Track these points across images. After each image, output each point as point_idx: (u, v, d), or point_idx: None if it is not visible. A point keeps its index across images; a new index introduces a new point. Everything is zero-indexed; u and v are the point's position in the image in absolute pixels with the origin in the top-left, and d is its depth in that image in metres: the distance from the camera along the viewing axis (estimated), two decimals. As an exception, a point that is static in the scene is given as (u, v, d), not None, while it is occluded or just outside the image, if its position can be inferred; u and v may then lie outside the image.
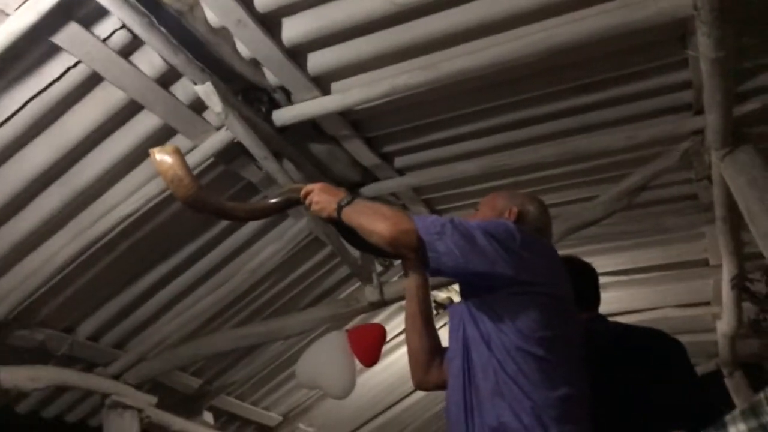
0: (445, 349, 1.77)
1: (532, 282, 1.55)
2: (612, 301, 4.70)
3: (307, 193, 1.72)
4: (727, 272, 4.12)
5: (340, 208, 1.63)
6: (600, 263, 4.44)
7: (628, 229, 4.01)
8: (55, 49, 2.31)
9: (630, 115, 3.15)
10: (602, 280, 2.31)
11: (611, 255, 4.40)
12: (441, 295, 4.63)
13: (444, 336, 1.81)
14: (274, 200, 1.87)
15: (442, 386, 1.74)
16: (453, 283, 3.91)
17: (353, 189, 3.37)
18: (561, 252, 1.83)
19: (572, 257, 2.18)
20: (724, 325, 4.75)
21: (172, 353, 3.83)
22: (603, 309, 2.20)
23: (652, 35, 2.64)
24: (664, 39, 2.70)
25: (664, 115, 3.14)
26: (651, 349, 1.94)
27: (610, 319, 2.19)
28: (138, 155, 2.80)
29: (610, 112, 3.11)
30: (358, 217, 1.59)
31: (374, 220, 1.55)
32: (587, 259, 2.29)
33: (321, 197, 1.68)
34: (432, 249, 1.49)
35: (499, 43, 2.58)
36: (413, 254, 1.53)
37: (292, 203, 1.81)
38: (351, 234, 1.70)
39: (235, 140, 2.80)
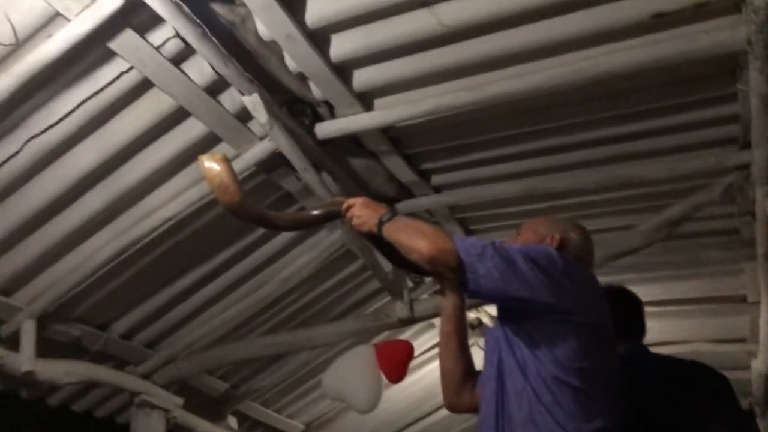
0: (479, 371, 1.76)
1: (572, 310, 1.54)
2: (644, 331, 4.64)
3: (349, 207, 1.73)
4: (765, 310, 4.03)
5: (380, 223, 1.64)
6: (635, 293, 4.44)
7: (665, 260, 3.95)
8: (110, 54, 2.37)
9: (673, 146, 3.11)
10: None
11: (647, 285, 4.32)
12: (470, 315, 4.61)
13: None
14: (315, 212, 1.89)
15: (473, 409, 1.73)
16: (484, 303, 3.89)
17: (389, 204, 3.39)
18: (601, 280, 1.81)
19: (621, 287, 2.16)
20: (760, 363, 4.64)
21: (201, 356, 3.88)
22: None
23: (701, 68, 2.61)
24: (713, 72, 2.67)
25: (708, 148, 3.10)
26: (700, 382, 1.91)
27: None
28: (182, 161, 2.85)
29: (653, 141, 3.08)
30: (398, 234, 1.59)
31: (414, 238, 1.55)
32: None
33: (362, 212, 1.69)
34: (471, 270, 1.49)
35: (545, 69, 2.57)
36: (452, 274, 1.52)
37: (333, 216, 1.83)
38: (390, 250, 1.71)
39: (277, 151, 2.83)
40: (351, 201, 1.74)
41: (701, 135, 3.02)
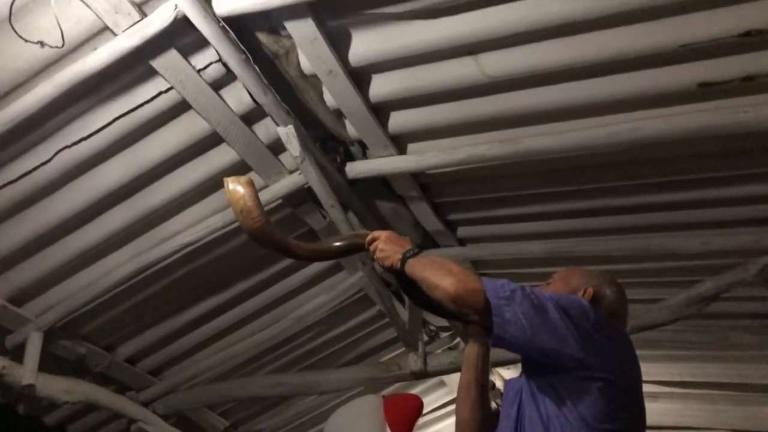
0: (496, 422, 1.66)
1: (602, 367, 1.45)
2: (663, 413, 4.47)
3: (373, 240, 1.68)
4: (793, 403, 3.86)
5: (404, 258, 1.58)
6: (656, 371, 4.29)
7: (691, 339, 3.81)
8: (152, 73, 2.38)
9: (709, 220, 3.03)
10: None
11: (668, 363, 4.20)
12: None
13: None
14: (338, 243, 1.83)
15: (486, 463, 1.63)
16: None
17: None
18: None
19: None
20: (783, 459, 4.42)
21: (204, 389, 3.79)
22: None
23: (744, 142, 2.55)
24: (756, 147, 2.60)
25: (745, 226, 3.01)
26: None
27: None
28: (209, 187, 2.84)
29: (689, 214, 3.01)
30: (423, 270, 1.52)
31: (440, 275, 1.47)
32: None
33: (387, 246, 1.63)
34: (498, 314, 1.40)
35: (584, 128, 2.54)
36: (477, 317, 1.43)
37: (357, 249, 1.77)
38: (412, 288, 1.64)
39: (306, 185, 2.81)
40: (376, 234, 1.68)
41: (739, 211, 2.94)
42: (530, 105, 2.50)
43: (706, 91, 2.34)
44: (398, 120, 2.67)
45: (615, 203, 3.01)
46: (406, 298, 3.71)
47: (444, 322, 4.08)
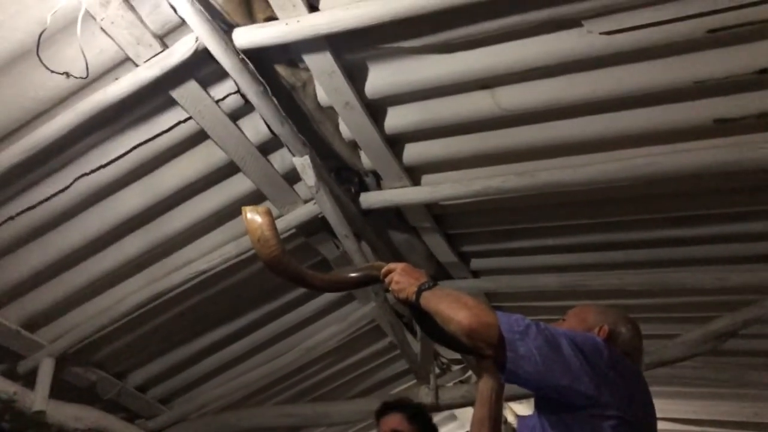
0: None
1: (615, 405, 1.43)
2: (678, 451, 4.38)
3: (388, 272, 1.67)
4: (811, 444, 3.78)
5: (420, 291, 1.57)
6: (670, 407, 4.22)
7: (706, 376, 3.76)
8: (171, 103, 2.41)
9: (726, 256, 3.01)
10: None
11: (683, 400, 4.13)
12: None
13: None
14: (353, 274, 1.83)
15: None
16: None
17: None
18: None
19: None
20: (801, 502, 4.31)
21: (213, 419, 3.75)
22: None
23: (759, 178, 2.55)
24: (772, 184, 2.60)
25: (762, 262, 2.99)
26: None
27: None
28: (224, 215, 2.85)
29: (706, 249, 2.99)
30: (438, 303, 1.52)
31: (455, 308, 1.47)
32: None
33: (402, 278, 1.63)
34: (512, 349, 1.39)
35: (600, 162, 2.54)
36: (491, 351, 1.43)
37: (372, 280, 1.77)
38: (426, 320, 1.63)
39: (320, 215, 2.82)
40: (392, 266, 1.68)
41: (756, 248, 2.92)
42: (546, 138, 2.51)
43: (722, 127, 2.34)
44: (413, 152, 2.69)
45: (631, 237, 3.00)
46: (418, 330, 3.68)
47: (456, 355, 4.05)
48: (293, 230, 2.94)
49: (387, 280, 1.67)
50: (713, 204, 2.76)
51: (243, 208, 1.78)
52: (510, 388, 1.73)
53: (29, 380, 3.08)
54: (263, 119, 2.47)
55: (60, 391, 3.17)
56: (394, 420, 1.98)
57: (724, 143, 2.40)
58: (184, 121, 2.48)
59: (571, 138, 2.48)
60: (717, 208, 2.78)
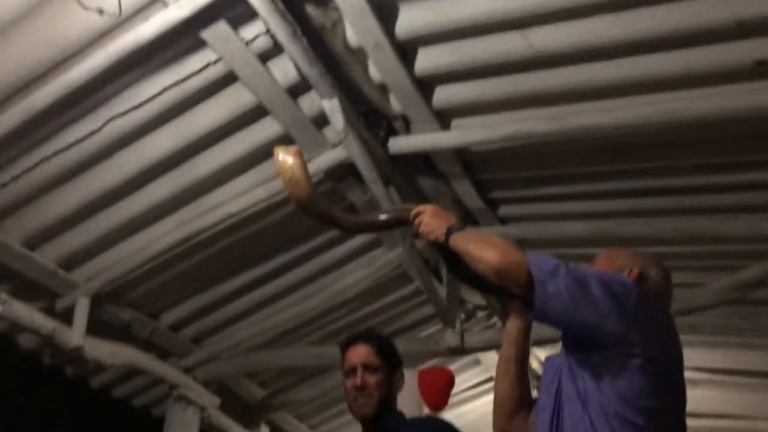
0: (534, 400, 1.67)
1: (642, 345, 1.43)
2: (702, 400, 4.39)
3: (418, 214, 1.68)
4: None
5: (449, 233, 1.58)
6: (697, 356, 4.22)
7: (733, 325, 3.75)
8: (201, 44, 2.41)
9: (758, 204, 2.96)
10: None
11: (709, 350, 4.13)
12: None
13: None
14: (383, 217, 1.84)
15: (523, 438, 1.64)
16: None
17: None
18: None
19: None
20: (824, 450, 4.34)
21: (244, 358, 3.86)
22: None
23: (799, 124, 2.48)
24: (813, 129, 2.53)
25: (795, 211, 2.94)
26: None
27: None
28: (254, 158, 2.87)
29: (738, 197, 2.94)
30: (467, 244, 1.52)
31: (484, 248, 1.47)
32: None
33: (431, 220, 1.63)
34: (540, 288, 1.39)
35: (633, 106, 2.49)
36: (519, 290, 1.44)
37: (401, 222, 1.78)
38: (455, 262, 1.64)
39: (348, 160, 2.82)
40: (421, 208, 1.68)
41: (791, 196, 2.86)
42: (578, 81, 2.46)
43: (763, 69, 2.27)
44: (443, 95, 2.66)
45: (663, 184, 2.96)
46: (444, 275, 3.71)
47: (482, 301, 4.08)
48: (321, 175, 2.95)
49: (416, 221, 1.67)
50: (748, 151, 2.70)
51: (275, 148, 1.78)
52: (534, 333, 1.75)
53: (67, 318, 3.18)
54: (292, 60, 2.45)
55: (95, 329, 3.28)
56: (362, 352, 1.94)
57: (764, 87, 2.34)
58: (214, 62, 2.48)
59: (605, 81, 2.43)
60: (752, 155, 2.72)
